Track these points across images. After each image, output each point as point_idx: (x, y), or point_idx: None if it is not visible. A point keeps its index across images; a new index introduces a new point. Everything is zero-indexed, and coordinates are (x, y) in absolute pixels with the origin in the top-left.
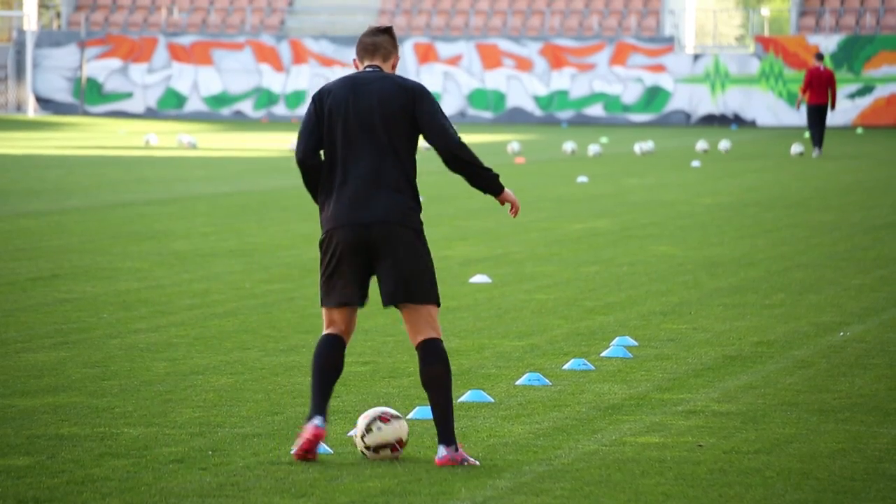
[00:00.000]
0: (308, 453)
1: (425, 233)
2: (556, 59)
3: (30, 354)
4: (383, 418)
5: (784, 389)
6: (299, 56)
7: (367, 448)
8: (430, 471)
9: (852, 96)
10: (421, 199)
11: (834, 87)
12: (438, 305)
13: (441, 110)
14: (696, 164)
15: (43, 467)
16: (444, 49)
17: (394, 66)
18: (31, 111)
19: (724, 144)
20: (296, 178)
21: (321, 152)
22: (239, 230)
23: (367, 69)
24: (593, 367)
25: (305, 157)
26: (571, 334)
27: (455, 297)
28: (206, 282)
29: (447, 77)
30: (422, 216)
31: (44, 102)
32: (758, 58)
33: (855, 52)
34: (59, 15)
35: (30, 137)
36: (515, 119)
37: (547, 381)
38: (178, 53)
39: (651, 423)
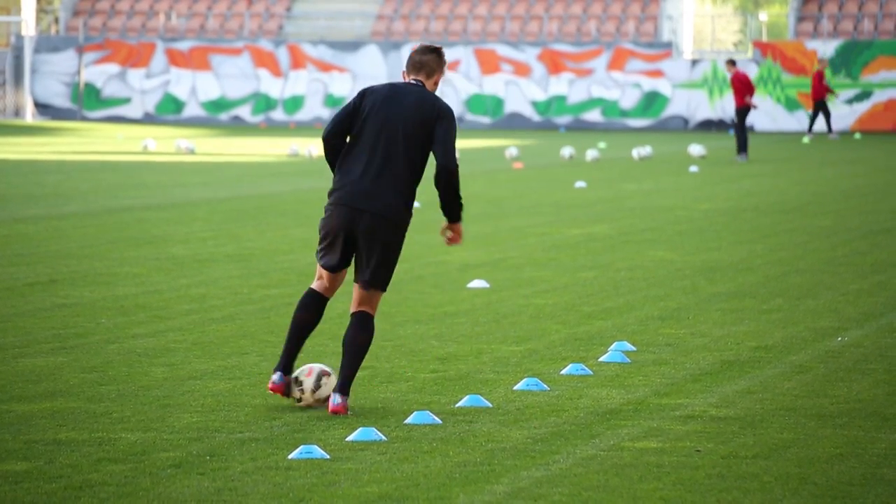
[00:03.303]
0: (278, 393)
1: (410, 235)
2: (554, 64)
3: (28, 359)
4: (325, 373)
5: (782, 394)
6: (297, 61)
7: (318, 400)
8: (427, 476)
9: (850, 102)
10: (417, 205)
11: (752, 89)
12: (383, 293)
13: (454, 135)
14: (693, 169)
15: (41, 472)
16: None
17: (436, 83)
18: (30, 116)
19: (642, 151)
20: (293, 183)
21: (346, 137)
22: (237, 235)
23: (410, 82)
24: (591, 373)
25: (329, 136)
26: (569, 339)
27: (453, 302)
28: (204, 287)
29: (445, 82)
30: (409, 215)
31: (42, 108)
32: (756, 63)
33: (853, 57)
34: (57, 20)
35: (28, 143)
36: (513, 124)
37: (545, 386)
38: (176, 59)
39: (649, 428)
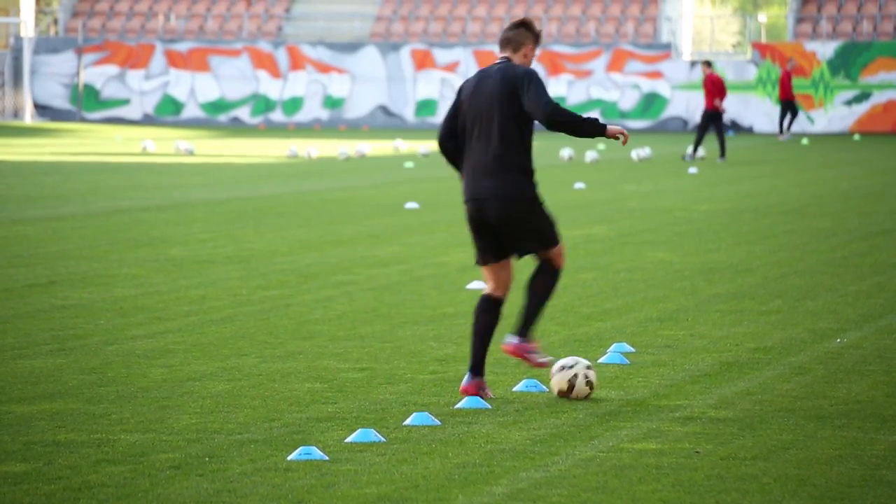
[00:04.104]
0: (477, 395)
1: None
2: (554, 65)
3: (27, 361)
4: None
5: (781, 396)
6: (296, 62)
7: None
8: (427, 477)
9: (849, 103)
10: (415, 206)
11: (724, 93)
12: (557, 244)
13: (537, 86)
14: (693, 170)
15: (40, 474)
16: (441, 55)
17: (526, 55)
18: (29, 118)
19: (641, 152)
20: (293, 184)
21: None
22: (236, 236)
23: (498, 61)
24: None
25: (441, 139)
26: (568, 340)
27: (452, 303)
28: (203, 288)
29: (444, 83)
30: (532, 182)
31: (41, 109)
32: (755, 64)
33: (852, 58)
34: (56, 21)
35: (27, 144)
36: None
37: (544, 387)
38: (175, 60)
39: (648, 429)
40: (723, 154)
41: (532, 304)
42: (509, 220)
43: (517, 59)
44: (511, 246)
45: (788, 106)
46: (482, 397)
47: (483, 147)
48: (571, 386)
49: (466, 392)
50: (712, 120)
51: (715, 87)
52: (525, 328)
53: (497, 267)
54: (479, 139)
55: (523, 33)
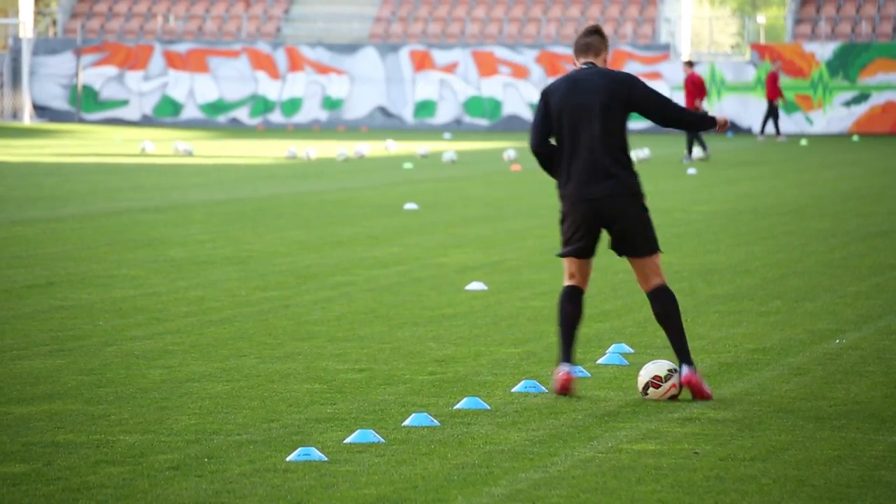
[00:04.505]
0: (565, 391)
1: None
2: (553, 66)
3: (26, 362)
4: (654, 384)
5: (780, 397)
6: (295, 63)
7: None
8: (426, 478)
9: (848, 104)
10: (414, 207)
11: (704, 93)
12: (658, 251)
13: (651, 89)
14: (691, 171)
15: (39, 475)
16: (440, 56)
17: (605, 60)
18: (28, 119)
19: (640, 153)
20: (291, 185)
21: (551, 140)
22: (235, 237)
23: (583, 66)
24: (589, 375)
25: (538, 146)
26: None
27: (451, 304)
28: (202, 289)
29: (443, 85)
30: (638, 179)
31: (40, 110)
32: (754, 65)
33: (850, 59)
34: (55, 22)
35: (26, 145)
36: (511, 127)
37: (543, 388)
38: (174, 61)
39: (647, 430)
40: (705, 148)
41: (672, 332)
42: (626, 219)
43: (599, 62)
44: (622, 245)
45: (771, 106)
46: (572, 389)
47: (591, 148)
48: (665, 379)
49: (565, 380)
50: None
51: (695, 88)
52: (685, 355)
53: (585, 262)
54: (584, 141)
55: (599, 39)
